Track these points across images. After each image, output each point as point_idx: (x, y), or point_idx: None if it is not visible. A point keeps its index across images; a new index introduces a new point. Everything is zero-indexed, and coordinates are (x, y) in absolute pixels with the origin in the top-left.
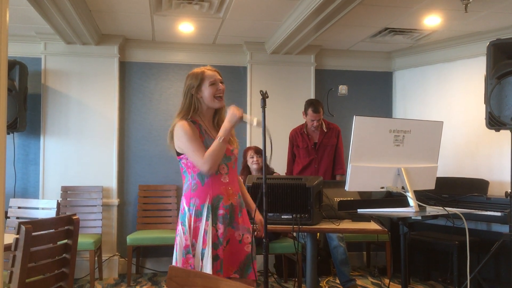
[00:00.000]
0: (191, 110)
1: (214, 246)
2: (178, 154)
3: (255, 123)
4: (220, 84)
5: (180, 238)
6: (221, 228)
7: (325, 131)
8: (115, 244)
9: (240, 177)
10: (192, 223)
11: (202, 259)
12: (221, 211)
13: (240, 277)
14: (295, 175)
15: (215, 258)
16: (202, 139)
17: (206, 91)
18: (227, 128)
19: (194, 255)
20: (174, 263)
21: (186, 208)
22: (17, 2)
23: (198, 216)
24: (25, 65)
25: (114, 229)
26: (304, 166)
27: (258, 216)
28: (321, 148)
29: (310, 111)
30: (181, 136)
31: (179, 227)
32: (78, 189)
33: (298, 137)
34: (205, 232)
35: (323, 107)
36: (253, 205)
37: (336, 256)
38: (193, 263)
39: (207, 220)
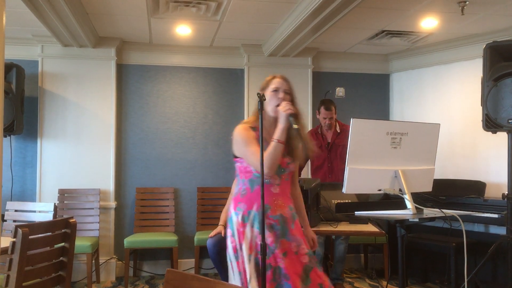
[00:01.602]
0: (256, 115)
1: (264, 254)
2: (235, 156)
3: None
4: (282, 93)
5: (229, 241)
6: (270, 236)
7: (338, 131)
8: (113, 247)
9: (299, 191)
10: (238, 227)
11: (248, 263)
12: (268, 221)
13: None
14: (311, 173)
15: (267, 266)
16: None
17: (268, 97)
18: (279, 128)
19: (239, 258)
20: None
21: (233, 212)
22: (14, 4)
23: (244, 221)
24: (22, 67)
25: (112, 232)
26: (317, 166)
27: (310, 233)
28: (333, 148)
29: (322, 109)
30: (238, 140)
31: (228, 230)
32: (75, 191)
33: (312, 136)
34: (252, 238)
35: (335, 106)
36: (306, 221)
37: (335, 251)
38: (243, 267)
39: (252, 226)
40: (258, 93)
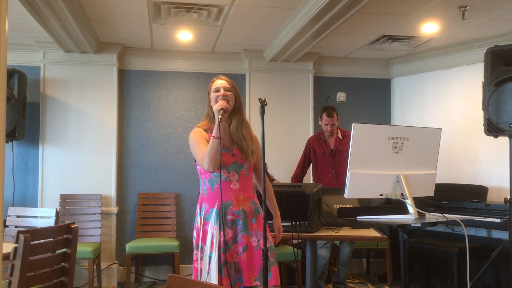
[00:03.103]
0: (208, 118)
1: (223, 251)
2: (195, 160)
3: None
4: (223, 90)
5: (194, 239)
6: (229, 233)
7: (341, 138)
8: (114, 252)
9: (269, 183)
10: (201, 227)
11: (209, 262)
12: (229, 217)
13: (261, 284)
14: (314, 179)
15: (224, 263)
16: None
17: (212, 98)
18: (215, 125)
19: (202, 258)
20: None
21: (198, 212)
22: (16, 11)
23: (206, 220)
24: (24, 73)
25: (113, 238)
26: (322, 172)
27: (278, 224)
28: (337, 154)
29: (324, 115)
30: (190, 142)
31: (194, 230)
32: (77, 197)
33: (315, 142)
34: (213, 235)
35: (337, 113)
36: (277, 212)
37: (340, 254)
38: (201, 266)
39: (214, 224)
40: (259, 99)
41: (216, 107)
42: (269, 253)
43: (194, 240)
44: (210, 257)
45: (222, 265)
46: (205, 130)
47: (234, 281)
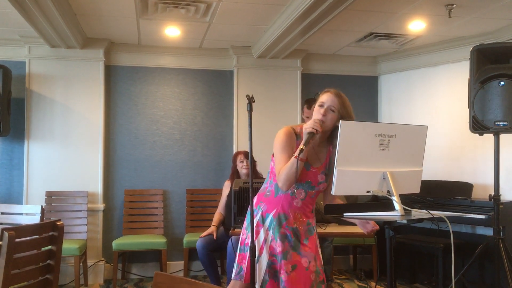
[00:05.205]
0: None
1: (279, 259)
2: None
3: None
4: (324, 109)
5: (242, 231)
6: (280, 246)
7: None
8: (101, 249)
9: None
10: (254, 225)
11: (257, 263)
12: (283, 230)
13: None
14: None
15: (275, 273)
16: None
17: (314, 110)
18: (300, 147)
19: (242, 251)
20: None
21: (255, 208)
22: (0, 4)
23: (261, 222)
24: (8, 68)
25: (100, 234)
26: None
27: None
28: None
29: (305, 108)
30: (276, 141)
31: (245, 221)
32: (63, 194)
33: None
34: (265, 240)
35: None
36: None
37: (323, 254)
38: (245, 261)
39: (268, 230)
40: (247, 95)
41: (305, 128)
42: (314, 276)
43: (242, 233)
44: (257, 261)
45: (274, 272)
46: (297, 135)
47: None
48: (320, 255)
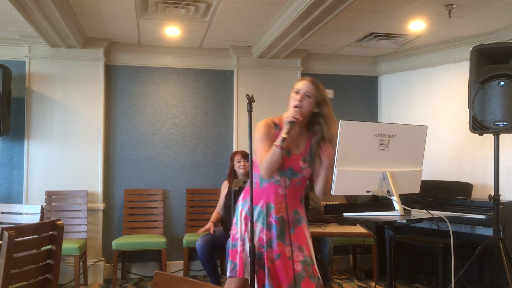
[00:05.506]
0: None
1: (265, 248)
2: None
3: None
4: (300, 95)
5: (232, 227)
6: (267, 235)
7: None
8: (101, 249)
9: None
10: (242, 218)
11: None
12: (269, 219)
13: None
14: None
15: (260, 265)
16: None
17: (291, 99)
18: (281, 135)
19: (243, 250)
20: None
21: (241, 203)
22: (0, 4)
23: (248, 214)
24: (8, 68)
25: (100, 234)
26: None
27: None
28: None
29: None
30: (255, 133)
31: (234, 217)
32: (63, 193)
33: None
34: (255, 232)
35: None
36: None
37: (325, 257)
38: (244, 258)
39: (257, 221)
40: (247, 95)
41: (285, 117)
42: (301, 266)
43: (233, 227)
44: (250, 249)
45: (260, 261)
46: (276, 125)
47: (264, 286)
48: (311, 246)
